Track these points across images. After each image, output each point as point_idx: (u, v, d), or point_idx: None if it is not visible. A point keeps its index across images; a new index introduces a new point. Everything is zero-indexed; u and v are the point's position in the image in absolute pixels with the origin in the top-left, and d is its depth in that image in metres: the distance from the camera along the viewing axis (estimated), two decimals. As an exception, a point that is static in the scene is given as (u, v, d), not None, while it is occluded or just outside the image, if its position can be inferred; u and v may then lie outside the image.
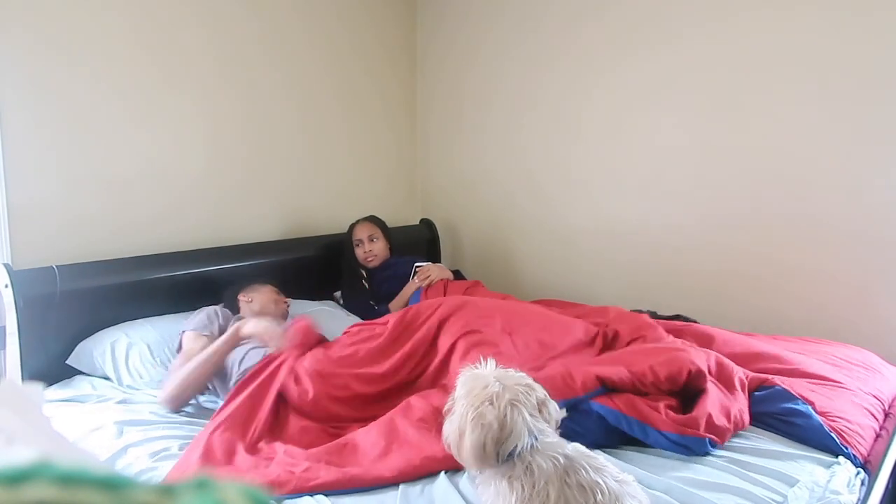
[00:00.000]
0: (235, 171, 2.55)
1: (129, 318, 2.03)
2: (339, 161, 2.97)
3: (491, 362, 1.06)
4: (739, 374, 1.54)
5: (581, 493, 0.90)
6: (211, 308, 1.98)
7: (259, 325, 1.74)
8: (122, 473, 0.25)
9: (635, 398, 1.37)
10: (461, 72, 3.15)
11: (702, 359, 1.49)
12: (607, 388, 1.40)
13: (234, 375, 1.70)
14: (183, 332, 1.86)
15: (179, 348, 1.85)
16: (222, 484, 0.24)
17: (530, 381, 1.04)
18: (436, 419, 1.31)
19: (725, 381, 1.50)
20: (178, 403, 1.67)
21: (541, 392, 1.04)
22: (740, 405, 1.43)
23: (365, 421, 1.47)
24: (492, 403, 0.97)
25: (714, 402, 1.38)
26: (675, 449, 1.30)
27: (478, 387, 1.00)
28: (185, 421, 1.60)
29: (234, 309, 2.08)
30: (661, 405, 1.36)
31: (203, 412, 1.68)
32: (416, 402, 1.44)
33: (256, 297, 2.07)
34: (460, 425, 0.98)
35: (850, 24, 2.04)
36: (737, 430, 1.39)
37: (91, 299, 1.97)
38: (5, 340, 1.84)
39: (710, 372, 1.50)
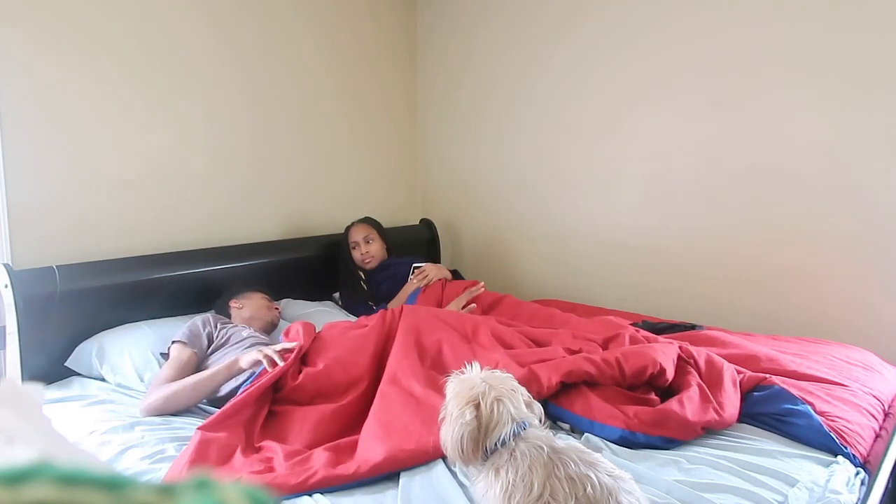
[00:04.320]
0: (236, 170, 2.55)
1: (129, 318, 2.03)
2: (339, 161, 2.97)
3: (476, 365, 1.08)
4: (731, 371, 1.55)
5: (570, 485, 0.90)
6: (200, 317, 1.93)
7: (253, 357, 1.67)
8: (122, 473, 0.25)
9: (589, 394, 1.43)
10: (461, 72, 3.15)
11: (668, 358, 1.52)
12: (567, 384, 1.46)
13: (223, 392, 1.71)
14: (173, 341, 1.84)
15: (167, 356, 1.83)
16: (222, 484, 0.24)
17: (515, 383, 1.08)
18: (418, 405, 1.40)
19: (714, 379, 1.50)
20: (157, 415, 1.64)
21: (525, 394, 1.08)
22: (726, 402, 1.43)
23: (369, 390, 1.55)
24: (477, 405, 1.00)
25: (684, 401, 1.40)
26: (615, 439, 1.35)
27: (465, 389, 1.03)
28: (182, 423, 1.59)
29: (226, 314, 2.10)
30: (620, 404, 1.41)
31: (201, 413, 1.68)
32: (392, 390, 1.49)
33: (247, 304, 2.10)
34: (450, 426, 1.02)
35: (853, 23, 2.04)
36: (711, 426, 1.39)
37: (91, 299, 1.97)
38: (5, 340, 1.84)
39: (698, 371, 1.52)
